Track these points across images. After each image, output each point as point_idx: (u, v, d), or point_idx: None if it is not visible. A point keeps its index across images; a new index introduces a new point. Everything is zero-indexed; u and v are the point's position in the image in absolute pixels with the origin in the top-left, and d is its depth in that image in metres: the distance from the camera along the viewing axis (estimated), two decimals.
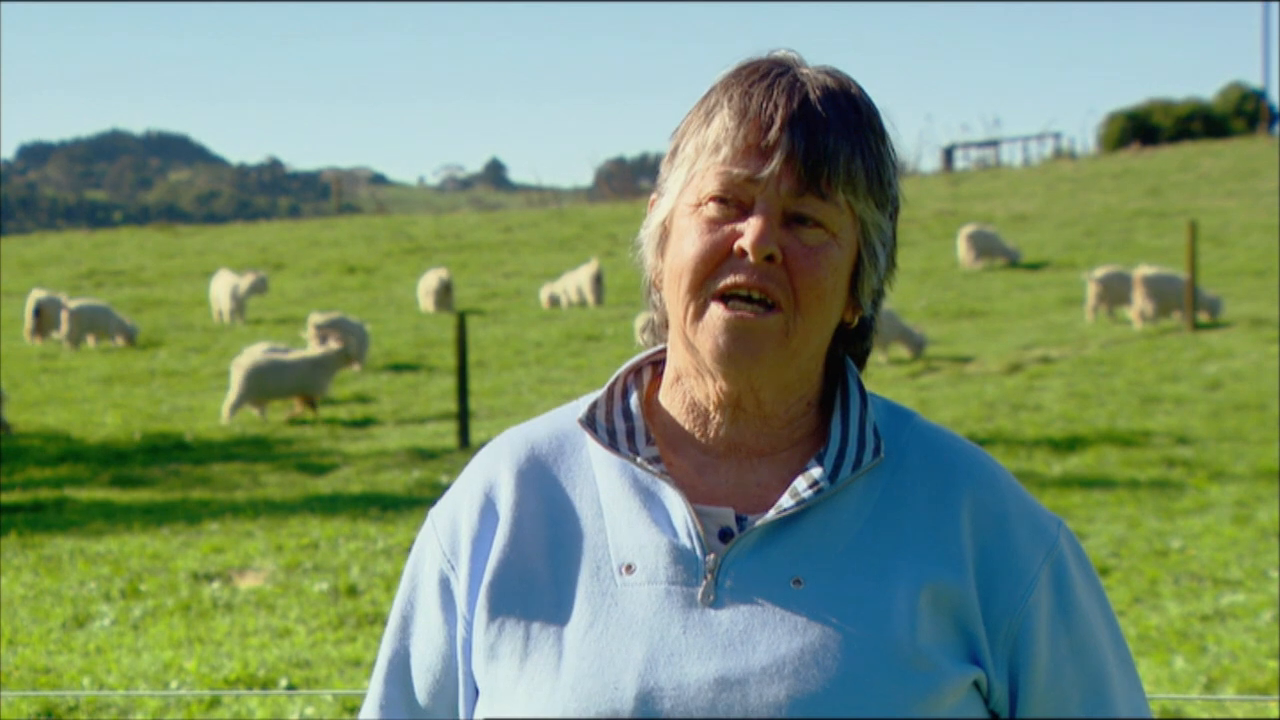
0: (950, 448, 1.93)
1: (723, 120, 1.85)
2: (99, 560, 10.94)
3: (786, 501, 1.85)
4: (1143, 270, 21.36)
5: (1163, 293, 21.09)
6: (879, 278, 1.91)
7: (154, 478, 14.58)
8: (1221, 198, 34.47)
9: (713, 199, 1.85)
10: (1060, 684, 1.86)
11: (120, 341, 23.65)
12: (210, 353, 22.86)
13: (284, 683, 7.95)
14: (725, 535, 1.85)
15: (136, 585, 10.20)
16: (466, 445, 15.21)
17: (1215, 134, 49.81)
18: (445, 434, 16.16)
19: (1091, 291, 22.09)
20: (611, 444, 1.91)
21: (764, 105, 1.84)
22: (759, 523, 1.84)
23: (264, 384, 17.37)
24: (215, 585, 10.23)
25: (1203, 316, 20.98)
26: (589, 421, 1.93)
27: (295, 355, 17.90)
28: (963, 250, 28.33)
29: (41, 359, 22.73)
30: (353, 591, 9.83)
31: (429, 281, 26.89)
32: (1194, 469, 13.15)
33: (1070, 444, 14.40)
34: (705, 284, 1.84)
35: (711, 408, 1.90)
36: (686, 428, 1.92)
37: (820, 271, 1.84)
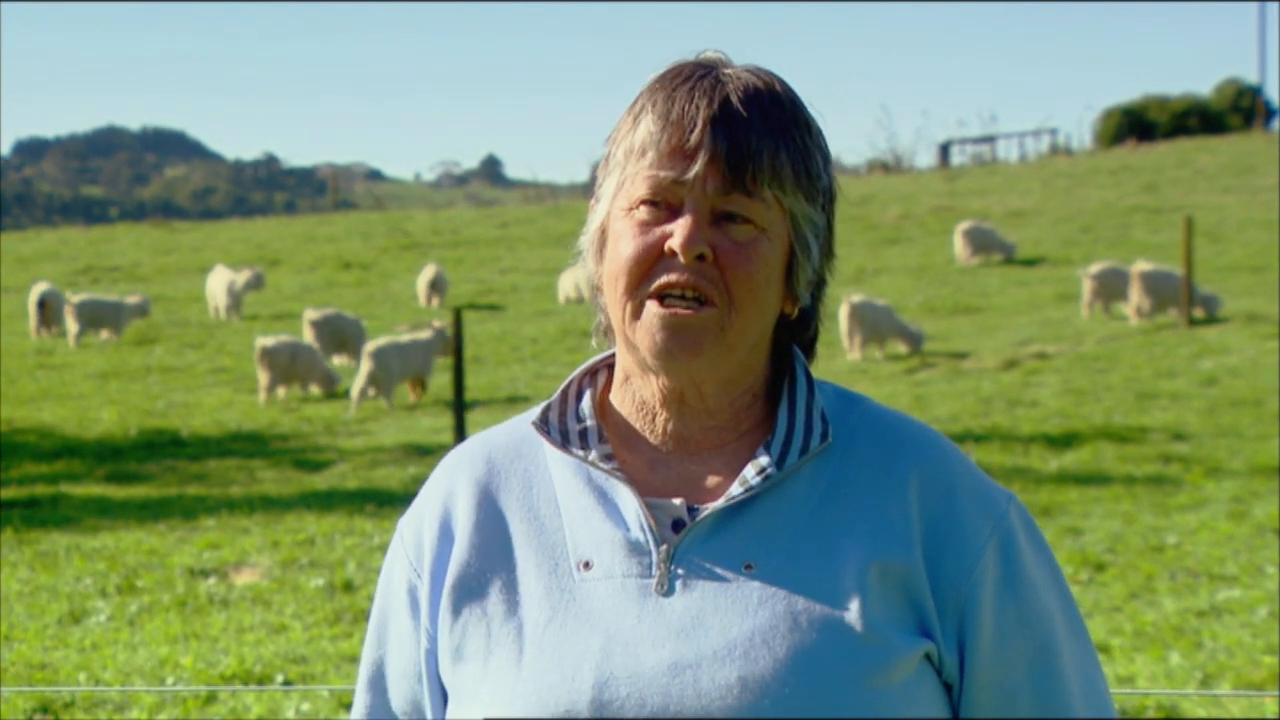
0: (898, 427, 1.97)
1: (648, 125, 1.90)
2: (95, 556, 10.94)
3: (735, 490, 1.89)
4: (1140, 266, 21.36)
5: (1160, 289, 21.10)
6: (813, 268, 1.95)
7: (150, 474, 14.58)
8: (1218, 194, 34.47)
9: (643, 202, 1.89)
10: (1007, 653, 1.89)
11: (136, 320, 23.83)
12: (206, 349, 22.86)
13: (280, 678, 7.96)
14: (678, 526, 1.90)
15: (132, 581, 10.19)
16: (463, 441, 15.21)
17: (1211, 130, 49.80)
18: (442, 430, 16.16)
19: (1087, 287, 22.09)
20: (564, 444, 1.96)
21: (686, 108, 1.88)
22: (708, 511, 1.89)
23: (390, 365, 17.81)
24: (211, 581, 10.23)
25: (1199, 314, 20.99)
26: (542, 423, 1.98)
27: (408, 338, 18.48)
28: (959, 246, 28.33)
29: (38, 355, 22.72)
30: (349, 587, 9.84)
31: (423, 278, 26.95)
32: (1190, 465, 13.15)
33: (1066, 440, 14.41)
34: (640, 285, 1.89)
35: (657, 405, 1.95)
36: (637, 426, 1.97)
37: (751, 266, 1.88)
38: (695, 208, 1.87)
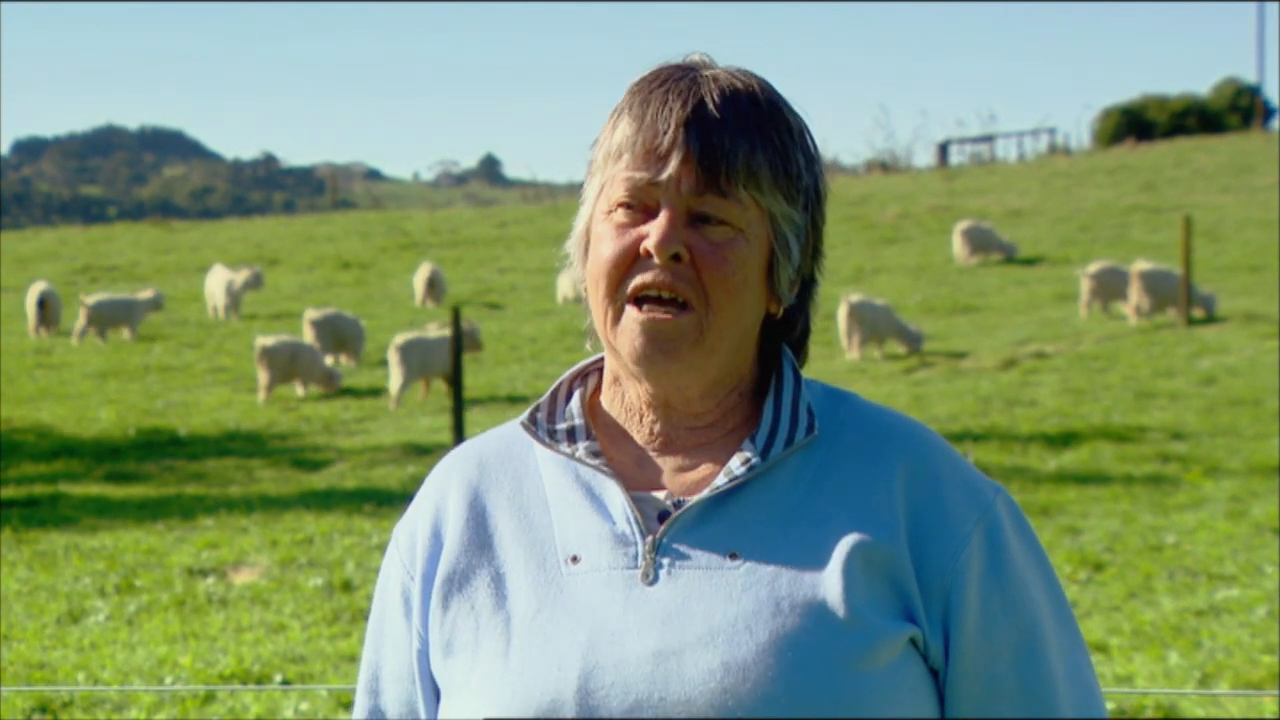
0: (886, 421, 1.99)
1: (624, 128, 1.93)
2: (94, 556, 10.94)
3: (720, 480, 1.91)
4: (1140, 265, 21.38)
5: (1159, 288, 21.11)
6: (794, 268, 1.96)
7: (148, 473, 14.57)
8: (1216, 193, 34.47)
9: (620, 205, 1.92)
10: (992, 640, 1.90)
11: (151, 315, 24.39)
12: (205, 348, 22.85)
13: (279, 678, 7.96)
14: (664, 519, 1.92)
15: (131, 581, 10.19)
16: (461, 440, 15.15)
17: (1210, 129, 49.80)
18: (440, 429, 16.16)
19: (1085, 287, 22.09)
20: (552, 442, 1.99)
21: (660, 110, 1.91)
22: (693, 502, 1.91)
23: (414, 360, 17.98)
24: (210, 581, 10.22)
25: (1197, 312, 20.99)
26: (530, 422, 2.01)
27: (435, 335, 18.56)
28: (958, 246, 28.32)
29: (36, 354, 22.70)
30: (347, 587, 9.83)
31: (420, 276, 26.95)
32: (1188, 464, 13.15)
33: (1065, 439, 14.41)
34: (619, 288, 1.91)
35: (644, 407, 1.98)
36: (625, 426, 2.00)
37: (727, 267, 1.90)
38: (670, 208, 1.89)
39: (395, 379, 17.95)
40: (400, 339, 18.13)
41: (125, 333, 23.88)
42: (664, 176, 1.89)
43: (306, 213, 61.02)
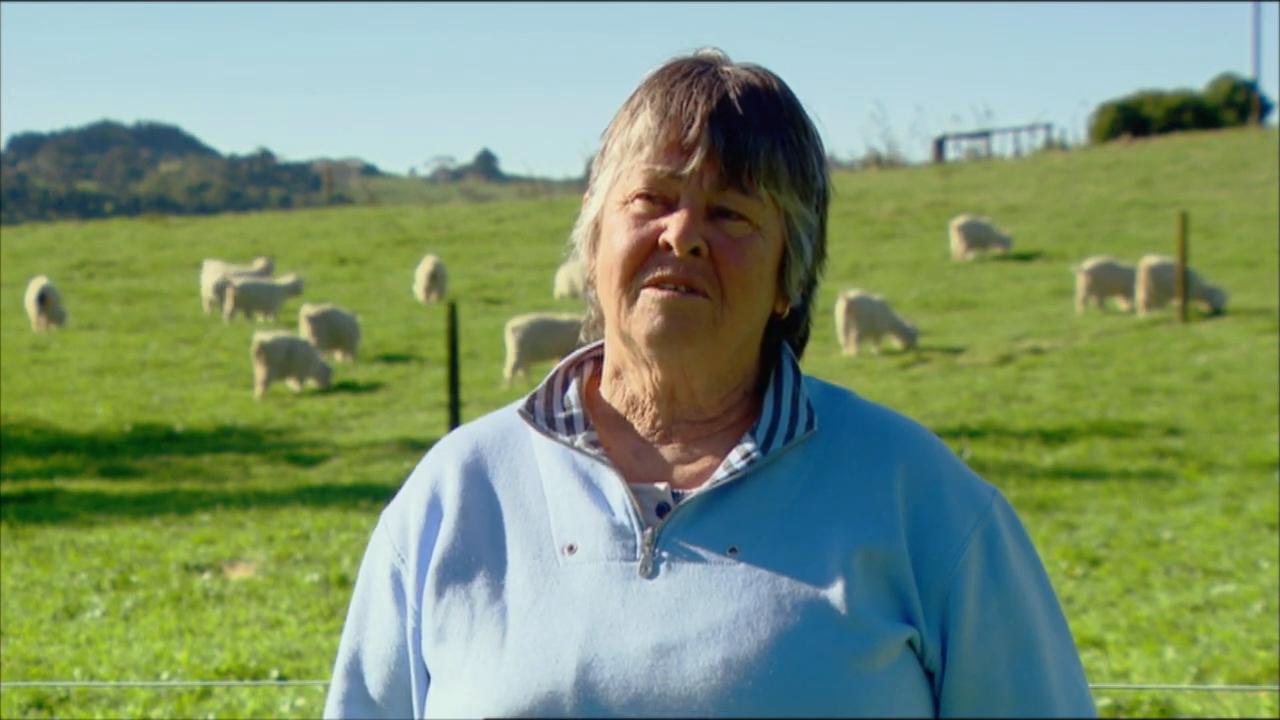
0: (885, 420, 1.99)
1: (645, 120, 1.92)
2: (90, 551, 10.94)
3: (720, 474, 1.91)
4: (1148, 260, 21.45)
5: (1168, 282, 21.14)
6: (805, 268, 1.97)
7: (145, 469, 14.57)
8: (1212, 189, 34.46)
9: (638, 196, 1.91)
10: (989, 643, 1.90)
11: (289, 300, 24.99)
12: (201, 344, 22.82)
13: (275, 673, 7.95)
14: (663, 511, 1.91)
15: (127, 576, 10.19)
16: None
17: (1206, 125, 49.76)
18: (436, 425, 16.15)
19: (1081, 283, 22.10)
20: (550, 430, 1.98)
21: (684, 104, 1.90)
22: (693, 495, 1.90)
23: (536, 343, 18.20)
24: (206, 576, 10.23)
25: (1203, 307, 21.00)
26: (528, 410, 2.00)
27: (566, 317, 18.80)
28: (954, 241, 28.31)
29: (32, 349, 22.67)
30: (343, 582, 9.84)
31: (423, 270, 26.94)
32: (1185, 460, 13.16)
33: (1061, 435, 14.42)
34: (634, 278, 1.91)
35: (648, 399, 1.97)
36: (625, 418, 1.99)
37: (745, 262, 1.90)
38: (691, 203, 1.89)
39: (509, 359, 18.24)
40: (514, 320, 18.48)
41: (259, 316, 24.49)
42: (686, 171, 1.88)
43: (302, 208, 61.02)
